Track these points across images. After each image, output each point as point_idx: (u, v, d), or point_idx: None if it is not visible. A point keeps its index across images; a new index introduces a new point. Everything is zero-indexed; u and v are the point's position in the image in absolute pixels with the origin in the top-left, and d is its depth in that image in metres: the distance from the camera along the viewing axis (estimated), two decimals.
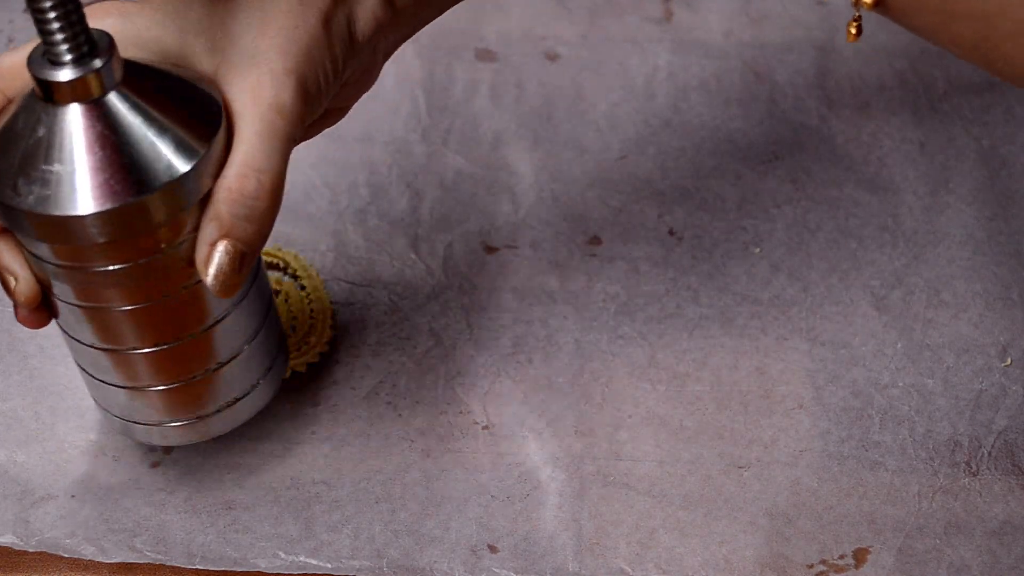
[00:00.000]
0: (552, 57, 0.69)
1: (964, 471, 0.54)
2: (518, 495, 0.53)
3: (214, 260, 0.42)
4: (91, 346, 0.46)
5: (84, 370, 0.49)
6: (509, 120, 0.66)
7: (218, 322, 0.46)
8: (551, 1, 0.72)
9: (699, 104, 0.67)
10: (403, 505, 0.53)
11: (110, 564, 0.51)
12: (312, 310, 0.58)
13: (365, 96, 0.67)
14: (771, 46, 0.69)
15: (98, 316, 0.44)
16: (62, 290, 0.44)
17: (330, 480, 0.54)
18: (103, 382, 0.48)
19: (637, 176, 0.64)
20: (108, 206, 0.39)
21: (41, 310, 0.45)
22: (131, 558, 0.51)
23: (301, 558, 0.51)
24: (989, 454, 0.54)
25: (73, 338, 0.47)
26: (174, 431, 0.50)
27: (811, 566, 0.51)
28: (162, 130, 0.40)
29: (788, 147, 0.65)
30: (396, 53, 0.69)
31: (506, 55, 0.69)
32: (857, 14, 0.43)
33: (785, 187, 0.63)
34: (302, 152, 0.65)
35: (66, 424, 0.55)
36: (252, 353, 0.49)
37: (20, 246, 0.43)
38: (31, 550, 0.51)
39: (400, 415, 0.56)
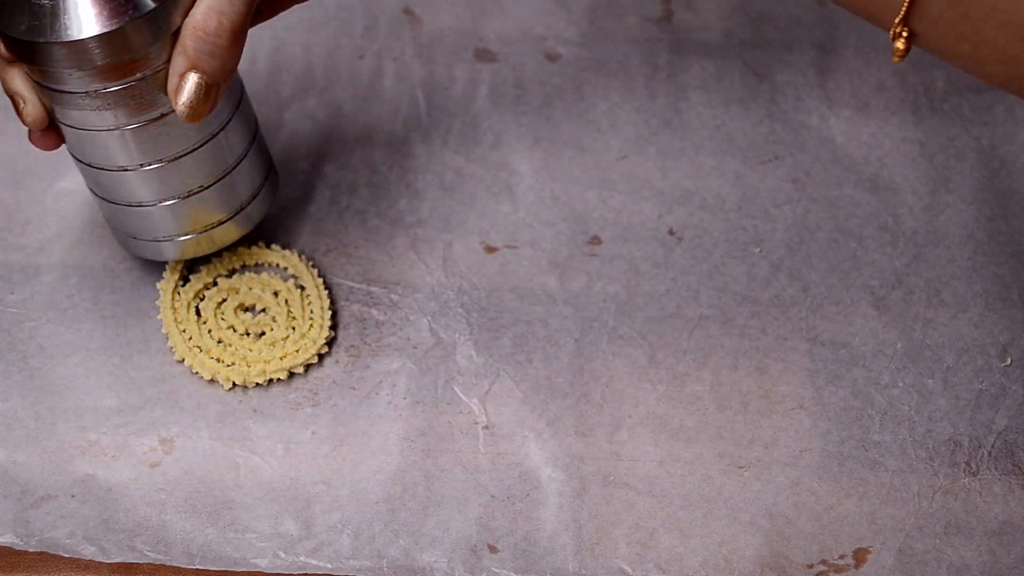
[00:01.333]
0: (552, 57, 0.69)
1: (964, 471, 0.54)
2: (518, 495, 0.53)
3: (183, 89, 0.49)
4: (95, 166, 0.53)
5: (96, 194, 0.55)
6: (509, 120, 0.66)
7: (204, 144, 0.53)
8: (551, 1, 0.72)
9: (699, 104, 0.67)
10: (403, 505, 0.53)
11: (110, 564, 0.51)
12: (311, 310, 0.58)
13: (365, 96, 0.67)
14: (771, 46, 0.69)
15: (99, 138, 0.51)
16: (68, 115, 0.51)
17: (330, 480, 0.54)
18: (113, 202, 0.55)
19: (637, 176, 0.64)
20: (103, 30, 0.47)
21: (49, 132, 0.52)
22: (131, 558, 0.51)
23: (301, 558, 0.51)
24: (989, 454, 0.54)
25: (83, 162, 0.53)
26: (179, 246, 0.56)
27: (811, 566, 0.51)
28: None
29: (788, 147, 0.65)
30: (396, 53, 0.69)
31: (506, 55, 0.69)
32: (903, 30, 0.46)
33: (785, 187, 0.63)
34: (303, 152, 0.65)
35: (66, 424, 0.55)
36: (243, 172, 0.56)
37: (27, 75, 0.50)
38: (31, 550, 0.51)
39: (400, 415, 0.56)
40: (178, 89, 0.49)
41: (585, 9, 0.72)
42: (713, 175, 0.64)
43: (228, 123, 0.54)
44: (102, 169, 0.53)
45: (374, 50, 0.70)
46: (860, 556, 0.52)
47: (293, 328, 0.58)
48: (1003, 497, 0.53)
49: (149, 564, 0.51)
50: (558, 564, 0.51)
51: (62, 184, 0.63)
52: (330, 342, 0.58)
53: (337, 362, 0.57)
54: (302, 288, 0.59)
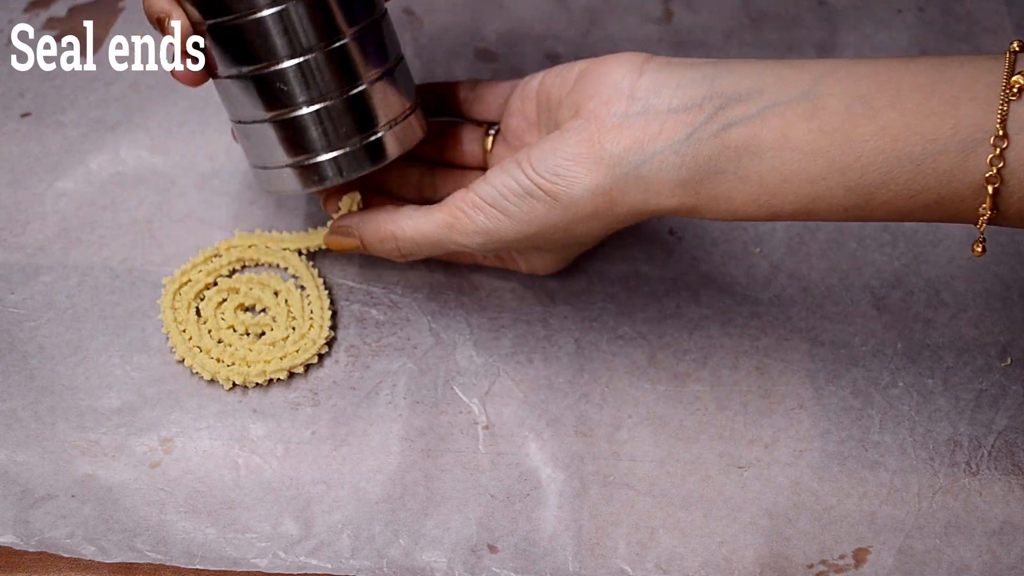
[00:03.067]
0: (552, 57, 0.69)
1: (964, 471, 0.54)
2: (518, 495, 0.53)
3: None
4: (255, 73, 0.51)
5: (244, 122, 0.54)
6: None
7: (362, 30, 0.52)
8: (551, 1, 0.72)
9: None
10: (403, 505, 0.53)
11: (110, 564, 0.51)
12: (311, 310, 0.58)
13: None
14: (771, 46, 0.69)
15: (257, 27, 0.50)
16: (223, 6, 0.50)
17: (330, 480, 0.54)
18: (268, 120, 0.53)
19: None
20: None
21: (196, 63, 0.51)
22: (131, 558, 0.51)
23: (301, 558, 0.51)
24: (989, 454, 0.54)
25: (238, 76, 0.52)
26: (338, 163, 0.53)
27: (811, 566, 0.51)
28: None
29: None
30: None
31: (506, 55, 0.69)
32: (982, 236, 0.47)
33: None
34: None
35: (66, 424, 0.55)
36: (402, 74, 0.55)
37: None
38: (31, 550, 0.51)
39: (400, 415, 0.56)
40: None
41: (585, 9, 0.72)
42: None
43: (385, 15, 0.53)
44: (261, 71, 0.51)
45: None
46: (860, 556, 0.52)
47: (293, 328, 0.58)
48: (1003, 497, 0.53)
49: (149, 564, 0.51)
50: (558, 564, 0.51)
51: (62, 184, 0.63)
52: (330, 342, 0.58)
53: (337, 362, 0.57)
54: (302, 288, 0.59)
